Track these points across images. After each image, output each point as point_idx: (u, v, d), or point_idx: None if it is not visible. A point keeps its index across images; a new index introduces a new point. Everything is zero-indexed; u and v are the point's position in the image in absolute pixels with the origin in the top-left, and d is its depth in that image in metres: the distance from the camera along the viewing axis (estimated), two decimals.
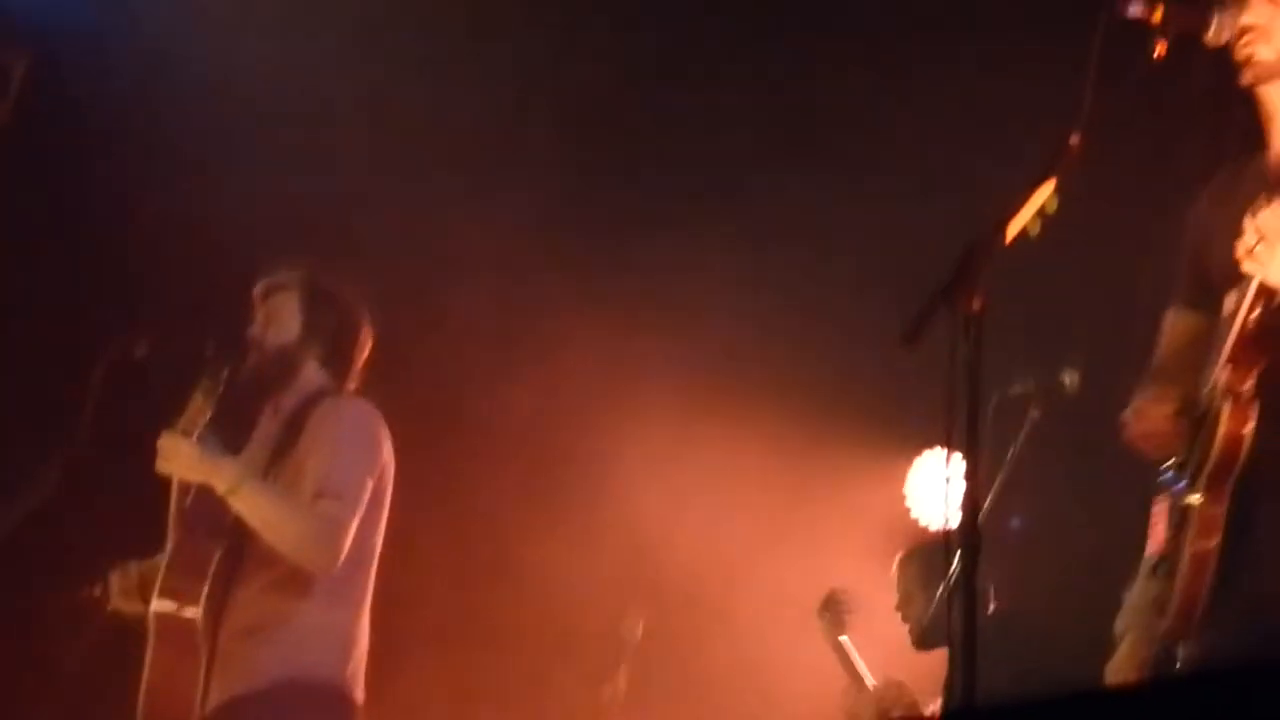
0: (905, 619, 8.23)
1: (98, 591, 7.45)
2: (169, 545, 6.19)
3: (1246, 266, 4.40)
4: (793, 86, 9.04)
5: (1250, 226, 4.38)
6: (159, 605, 6.10)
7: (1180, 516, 4.68)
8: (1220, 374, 4.59)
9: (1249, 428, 4.53)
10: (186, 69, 8.98)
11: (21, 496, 6.90)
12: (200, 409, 6.01)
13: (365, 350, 6.52)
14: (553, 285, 9.22)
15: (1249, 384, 4.54)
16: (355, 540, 6.10)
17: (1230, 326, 4.60)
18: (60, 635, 7.61)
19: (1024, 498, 7.50)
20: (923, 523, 9.22)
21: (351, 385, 6.47)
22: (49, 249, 8.90)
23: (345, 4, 9.09)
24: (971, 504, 4.33)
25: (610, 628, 8.50)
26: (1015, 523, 7.50)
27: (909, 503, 9.38)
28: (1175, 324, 5.07)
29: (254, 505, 6.02)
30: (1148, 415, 4.80)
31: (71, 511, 7.00)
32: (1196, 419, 4.68)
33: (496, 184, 9.18)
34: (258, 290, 6.50)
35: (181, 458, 6.01)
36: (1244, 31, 4.68)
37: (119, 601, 6.33)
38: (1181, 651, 4.71)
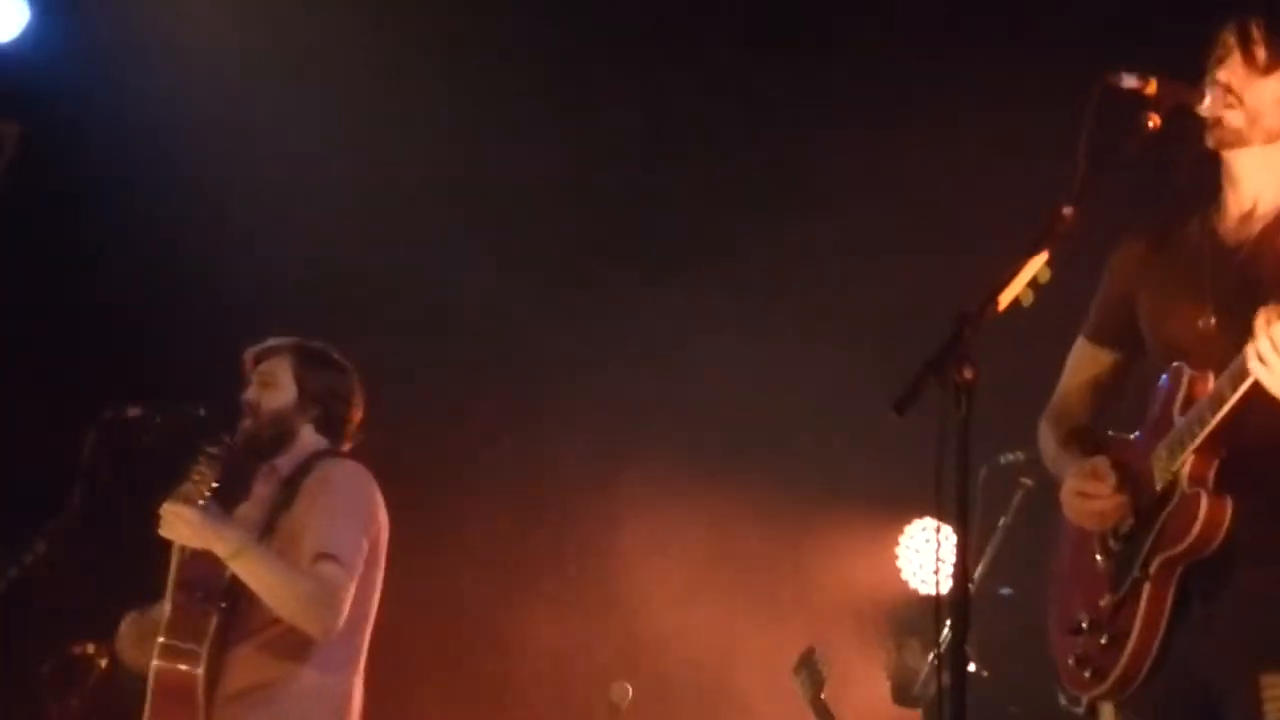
0: (887, 673, 8.26)
1: (90, 649, 7.49)
2: (168, 606, 6.20)
3: (1253, 367, 4.31)
4: (790, 145, 9.04)
5: (1264, 330, 4.26)
6: (159, 666, 6.11)
7: (1129, 588, 4.67)
8: (1185, 459, 4.55)
9: (1225, 524, 4.50)
10: (172, 137, 9.04)
11: (16, 554, 6.92)
12: (204, 477, 6.05)
13: (359, 412, 6.56)
14: (548, 352, 9.24)
15: (1213, 473, 4.53)
16: (352, 601, 6.13)
17: (1187, 405, 4.60)
18: (54, 693, 7.63)
19: (1014, 567, 7.50)
20: (916, 589, 9.25)
21: (346, 446, 6.50)
22: (42, 314, 8.93)
23: (337, 73, 9.15)
24: (962, 572, 4.35)
25: (600, 694, 8.49)
26: (1005, 592, 7.51)
27: (901, 569, 9.40)
28: (1082, 356, 5.13)
29: (255, 571, 6.05)
30: (1097, 495, 4.77)
31: (64, 569, 7.01)
32: (1147, 495, 4.67)
33: (492, 244, 9.21)
34: (249, 355, 6.54)
35: (185, 525, 6.03)
36: (1216, 91, 4.68)
37: (130, 651, 6.33)
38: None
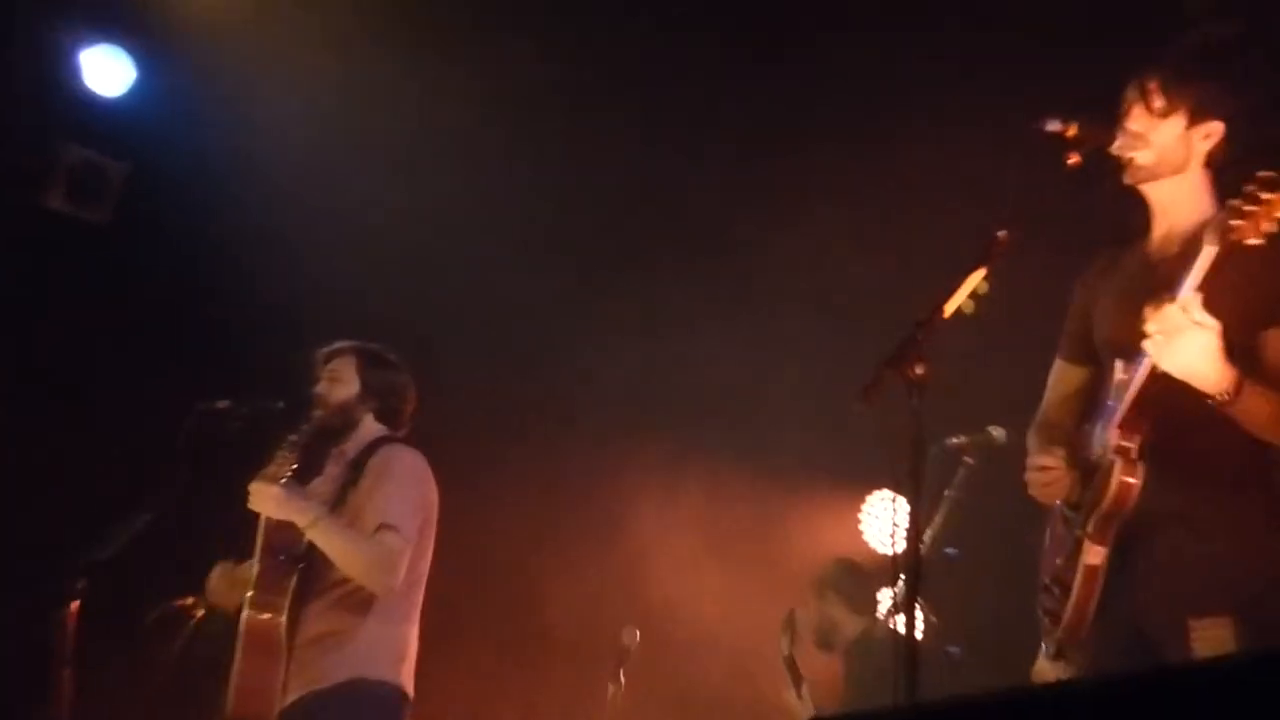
0: (811, 624, 8.30)
1: (190, 602, 7.52)
2: (256, 568, 6.25)
3: (1146, 346, 4.37)
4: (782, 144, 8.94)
5: (1152, 316, 4.33)
6: (249, 616, 6.19)
7: (1073, 547, 4.73)
8: (1111, 433, 4.60)
9: (1136, 483, 4.57)
10: (253, 174, 9.07)
11: (127, 522, 6.96)
12: (286, 460, 6.13)
13: (412, 404, 6.61)
14: (567, 349, 9.25)
15: (1135, 445, 4.58)
16: (409, 564, 6.19)
17: (1118, 391, 4.64)
18: (159, 638, 7.66)
19: (958, 531, 7.54)
20: (875, 550, 9.27)
21: (401, 433, 6.55)
22: (145, 322, 8.97)
23: (380, 110, 9.18)
24: (914, 535, 4.41)
25: (612, 637, 8.52)
26: (950, 551, 7.54)
27: (863, 533, 9.42)
28: (1059, 375, 5.13)
29: (328, 538, 6.11)
30: (1049, 468, 4.82)
31: (166, 535, 7.06)
32: (1088, 468, 4.73)
33: (517, 251, 9.21)
34: (320, 355, 6.61)
35: (270, 499, 6.12)
36: (1126, 138, 4.73)
37: (219, 594, 6.38)
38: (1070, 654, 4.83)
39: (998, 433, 7.31)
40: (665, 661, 8.77)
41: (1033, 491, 4.91)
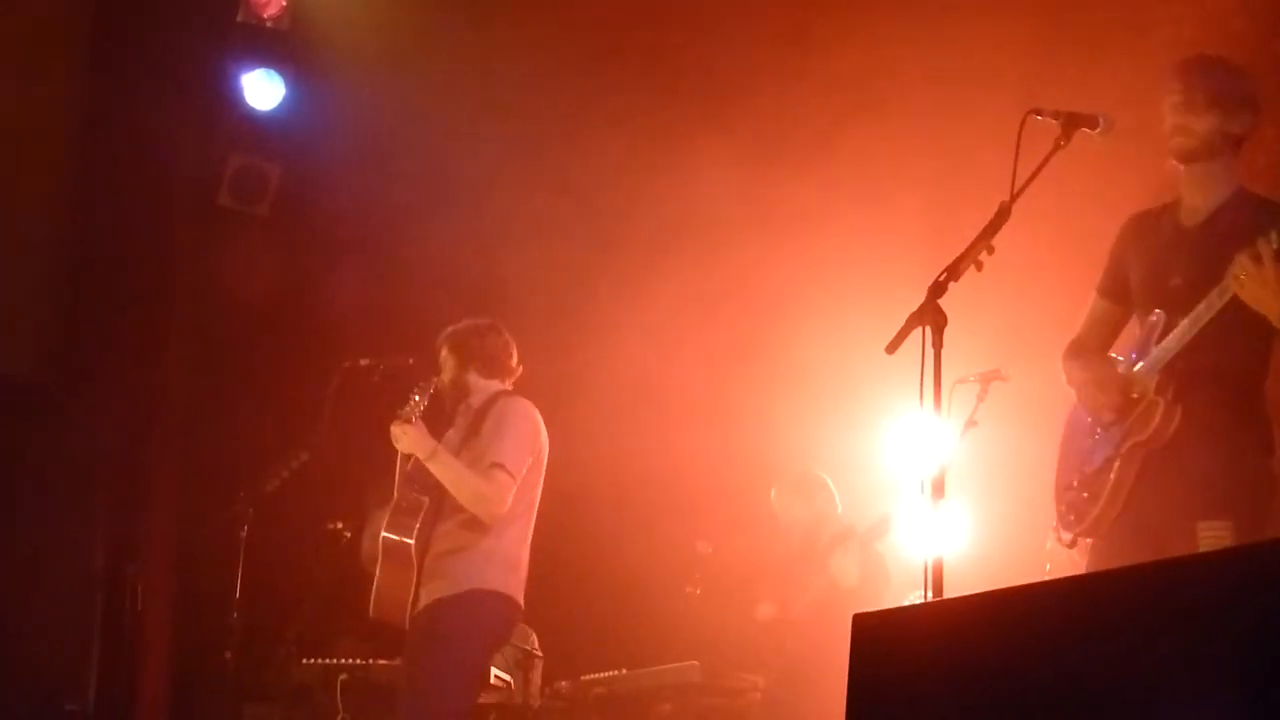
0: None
1: (339, 526, 7.57)
2: (395, 495, 6.28)
3: (1229, 283, 4.55)
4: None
5: (1242, 262, 4.50)
6: (387, 535, 6.21)
7: (1103, 461, 4.81)
8: (1154, 375, 4.73)
9: (1174, 423, 4.68)
10: (381, 169, 9.10)
11: (286, 461, 7.01)
12: (416, 405, 6.15)
13: (512, 356, 6.57)
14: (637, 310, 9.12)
15: (1173, 387, 4.70)
16: (519, 496, 6.20)
17: (1161, 338, 4.76)
18: (314, 556, 7.73)
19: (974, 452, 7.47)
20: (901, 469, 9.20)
21: (509, 385, 6.54)
22: (299, 299, 9.01)
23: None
24: (939, 454, 4.39)
25: (688, 547, 8.50)
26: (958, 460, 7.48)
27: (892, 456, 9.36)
28: (1095, 309, 5.14)
29: (443, 470, 6.12)
30: (1111, 393, 4.86)
31: (318, 470, 7.10)
32: (1128, 398, 4.80)
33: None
34: (443, 334, 6.60)
35: (406, 437, 6.13)
36: (1175, 127, 4.79)
37: (370, 541, 6.39)
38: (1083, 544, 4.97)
39: (1005, 372, 7.26)
40: (733, 567, 8.69)
41: (1086, 402, 4.94)
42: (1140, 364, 4.82)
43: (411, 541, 6.16)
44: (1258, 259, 4.48)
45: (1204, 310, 4.65)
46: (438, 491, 6.20)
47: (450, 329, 6.57)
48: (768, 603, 8.03)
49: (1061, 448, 5.12)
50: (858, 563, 7.68)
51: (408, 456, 6.27)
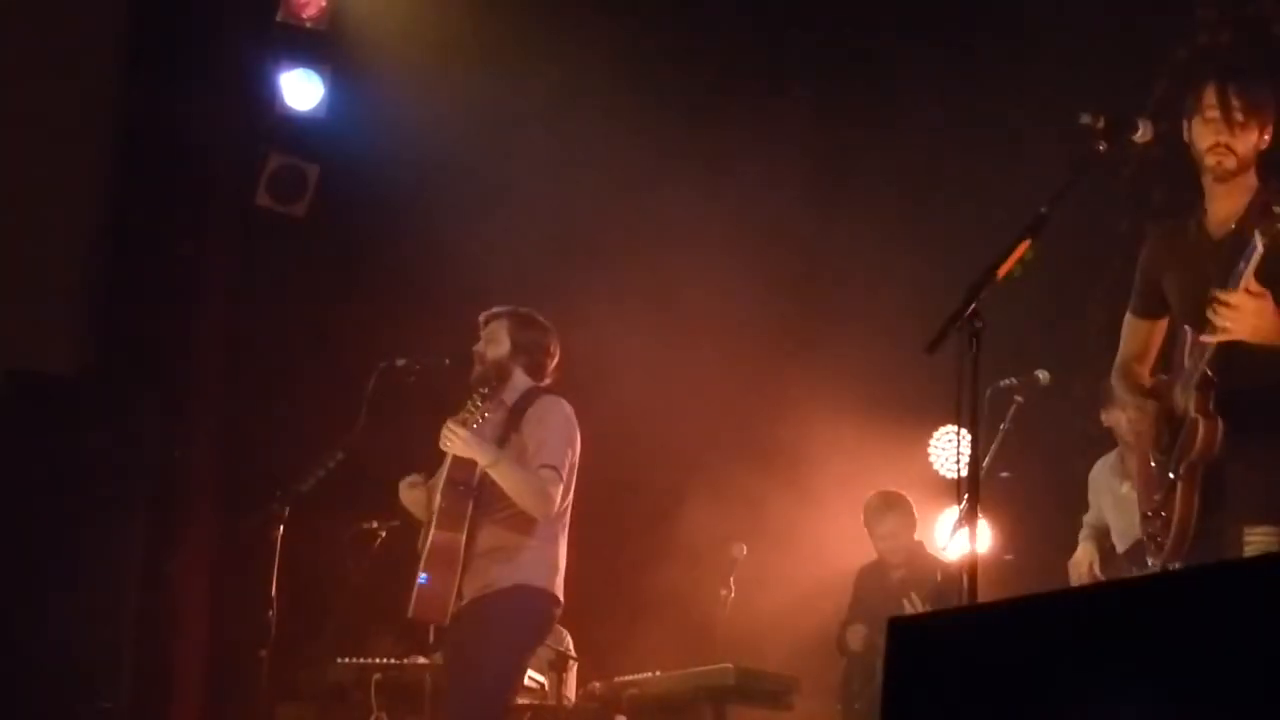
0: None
1: (375, 525, 7.60)
2: (439, 497, 6.30)
3: (1221, 325, 4.60)
4: None
5: (1222, 300, 4.56)
6: (435, 534, 6.24)
7: (1169, 486, 4.82)
8: (1190, 393, 4.73)
9: (1218, 436, 4.70)
10: (418, 168, 9.13)
11: (322, 460, 7.04)
12: (477, 410, 6.13)
13: (555, 358, 6.60)
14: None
15: (1211, 402, 4.71)
16: (562, 494, 6.26)
17: (1193, 355, 4.77)
18: (349, 556, 7.76)
19: (1010, 458, 7.46)
20: (942, 474, 9.23)
21: (546, 383, 6.56)
22: (336, 299, 9.04)
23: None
24: (974, 461, 4.39)
25: (723, 550, 8.50)
26: (1004, 475, 7.48)
27: (931, 462, 9.39)
28: (1132, 329, 5.15)
29: (506, 475, 6.15)
30: (1145, 419, 4.95)
31: (354, 470, 7.13)
32: (1174, 421, 4.83)
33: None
34: (481, 319, 6.61)
35: (460, 440, 6.13)
36: (1215, 148, 4.77)
37: (408, 494, 6.45)
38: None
39: (1042, 375, 7.23)
40: (768, 571, 8.69)
41: (1127, 434, 5.01)
42: (1177, 384, 4.83)
43: (460, 538, 6.22)
44: (1227, 305, 4.54)
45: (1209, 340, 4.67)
46: (480, 492, 6.25)
47: (514, 309, 6.58)
48: (861, 624, 8.04)
49: (1136, 478, 5.20)
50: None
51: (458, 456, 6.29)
